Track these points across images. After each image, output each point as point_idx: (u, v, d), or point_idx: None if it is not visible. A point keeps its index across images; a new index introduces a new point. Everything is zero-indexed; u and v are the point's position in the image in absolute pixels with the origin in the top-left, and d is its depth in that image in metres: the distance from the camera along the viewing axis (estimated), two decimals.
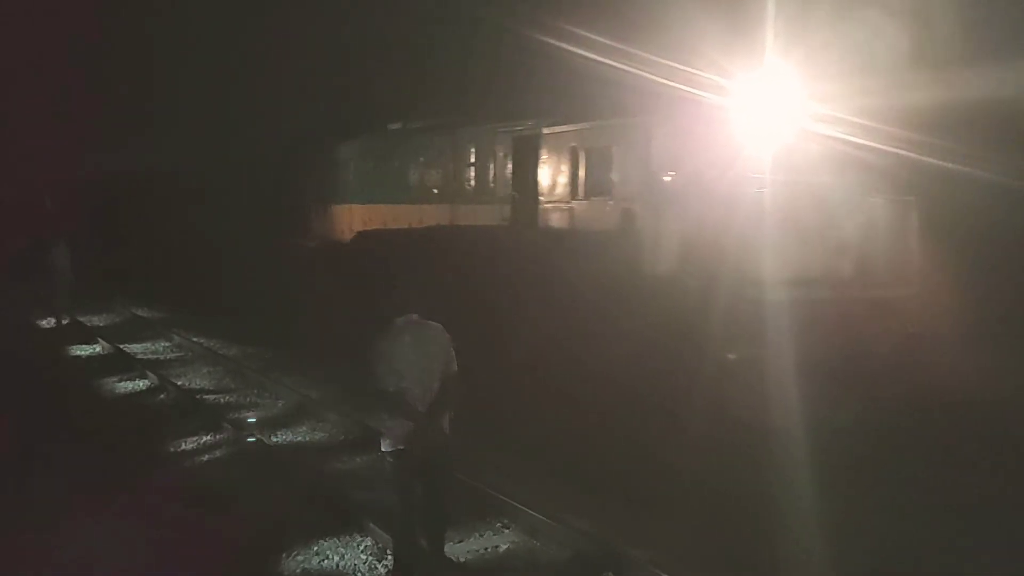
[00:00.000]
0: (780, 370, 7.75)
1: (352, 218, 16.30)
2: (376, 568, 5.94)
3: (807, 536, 5.99)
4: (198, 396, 10.98)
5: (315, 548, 6.20)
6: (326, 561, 6.05)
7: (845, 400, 7.76)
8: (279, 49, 22.35)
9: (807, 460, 6.96)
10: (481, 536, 6.41)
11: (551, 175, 11.40)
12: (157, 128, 26.32)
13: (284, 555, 6.10)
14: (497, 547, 6.28)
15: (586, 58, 9.89)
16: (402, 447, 5.32)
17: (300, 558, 6.09)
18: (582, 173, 10.92)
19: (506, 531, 6.50)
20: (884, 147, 8.53)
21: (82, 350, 14.41)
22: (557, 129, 11.35)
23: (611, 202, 10.48)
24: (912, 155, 8.57)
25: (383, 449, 5.43)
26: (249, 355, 13.70)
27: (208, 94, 24.39)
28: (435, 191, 13.97)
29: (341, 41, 21.27)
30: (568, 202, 11.15)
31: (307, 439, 9.24)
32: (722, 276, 8.33)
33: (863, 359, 8.23)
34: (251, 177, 19.43)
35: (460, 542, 6.24)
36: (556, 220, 11.34)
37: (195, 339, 14.83)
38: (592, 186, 10.81)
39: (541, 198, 11.51)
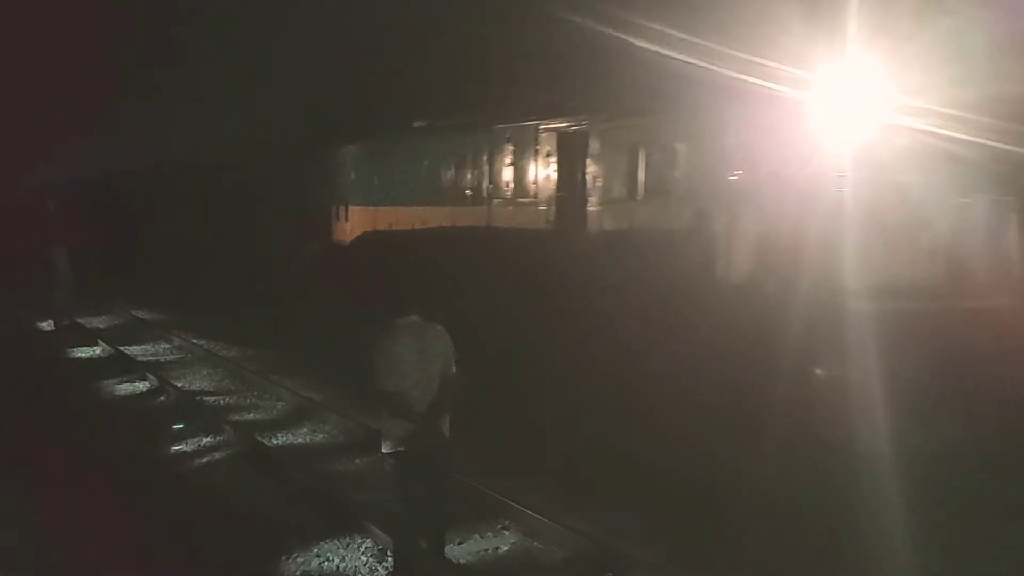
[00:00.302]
0: (869, 387, 7.11)
1: (375, 222, 15.49)
2: (376, 570, 5.94)
3: (898, 573, 5.63)
4: (198, 398, 10.98)
5: (315, 550, 6.20)
6: (326, 563, 6.04)
7: (939, 421, 7.03)
8: (293, 40, 21.29)
9: (898, 486, 6.39)
10: (482, 538, 6.41)
11: (604, 173, 10.58)
12: (166, 128, 25.95)
13: (284, 556, 6.09)
14: (498, 548, 6.27)
15: (648, 49, 9.06)
16: (402, 448, 5.32)
17: (300, 559, 6.08)
18: (642, 171, 10.02)
19: (507, 532, 6.50)
20: (980, 141, 7.58)
21: (82, 352, 14.41)
22: (613, 124, 10.47)
23: (676, 202, 9.59)
24: (1012, 150, 7.63)
25: (383, 450, 5.44)
26: (249, 357, 13.70)
27: (219, 92, 23.78)
28: (468, 193, 13.15)
29: (363, 30, 19.89)
30: (625, 202, 10.26)
31: (307, 440, 9.23)
32: (803, 284, 7.67)
33: (959, 376, 7.36)
34: (259, 179, 19.19)
35: (461, 543, 6.23)
36: (610, 222, 10.50)
37: (195, 341, 14.83)
38: (654, 185, 9.90)
39: (592, 198, 10.73)
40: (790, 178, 8.15)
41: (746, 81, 8.04)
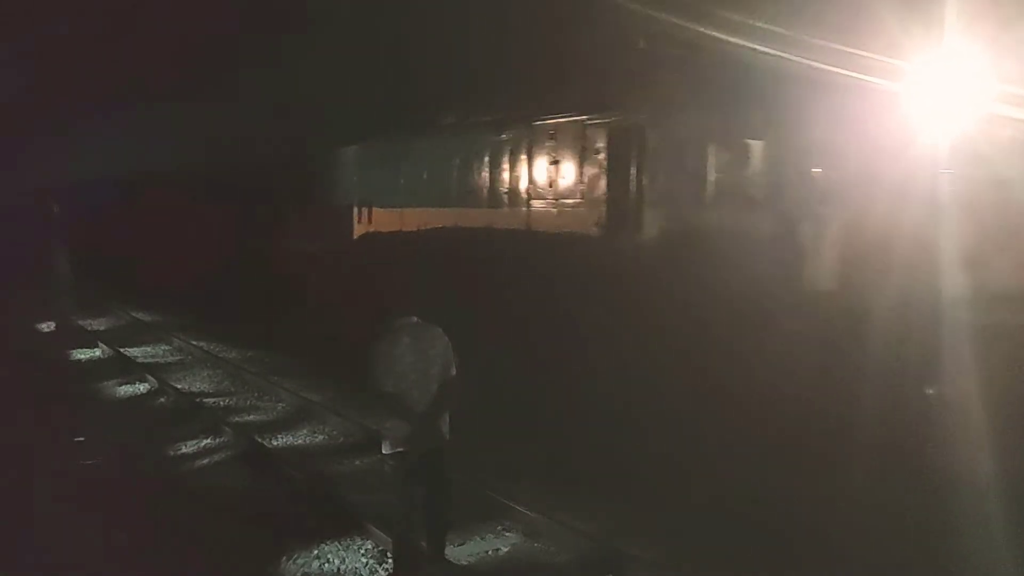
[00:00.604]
0: (982, 407, 6.36)
1: (401, 225, 14.65)
2: (377, 571, 5.93)
3: None
4: (198, 399, 10.98)
5: (315, 551, 6.19)
6: (327, 564, 6.04)
7: None
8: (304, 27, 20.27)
9: (1009, 515, 5.78)
10: (482, 539, 6.40)
11: (664, 172, 9.70)
12: (172, 128, 25.52)
13: (284, 558, 6.09)
14: (499, 550, 6.26)
15: (721, 38, 8.25)
16: (402, 449, 5.32)
17: (300, 561, 6.08)
18: (712, 169, 9.19)
19: (507, 533, 6.49)
20: None
21: (83, 353, 14.41)
22: (676, 117, 9.56)
23: (754, 204, 8.79)
24: None
25: (383, 451, 5.43)
26: (249, 359, 13.70)
27: (229, 90, 23.15)
28: (505, 194, 12.33)
29: (387, 18, 18.02)
30: (691, 204, 9.36)
31: (307, 442, 9.22)
32: (904, 294, 6.96)
33: None
34: (268, 180, 18.86)
35: (462, 545, 6.22)
36: (671, 225, 9.58)
37: (195, 343, 14.83)
38: (727, 185, 9.08)
39: (649, 200, 9.86)
40: (884, 177, 7.42)
41: (834, 71, 7.33)
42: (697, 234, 9.20)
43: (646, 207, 9.97)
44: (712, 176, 9.22)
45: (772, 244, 8.37)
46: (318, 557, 6.12)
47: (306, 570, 5.98)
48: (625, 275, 9.34)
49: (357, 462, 8.32)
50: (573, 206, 11.04)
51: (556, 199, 11.39)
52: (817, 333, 7.32)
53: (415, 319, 5.44)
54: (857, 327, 7.12)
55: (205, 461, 8.58)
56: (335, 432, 9.43)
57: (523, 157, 12.08)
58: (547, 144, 11.55)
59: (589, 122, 10.77)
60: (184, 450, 8.87)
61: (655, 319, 8.54)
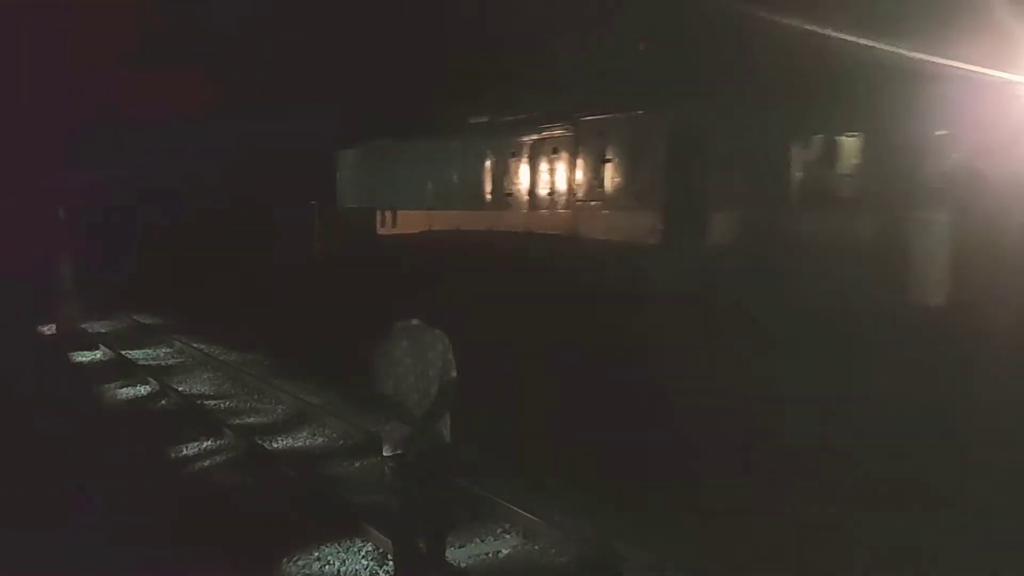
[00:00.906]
0: None
1: (429, 226, 14.23)
2: (377, 573, 5.93)
3: None
4: (199, 401, 10.98)
5: (316, 553, 6.20)
6: (327, 566, 6.04)
7: None
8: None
9: None
10: (483, 541, 6.39)
11: (736, 172, 8.92)
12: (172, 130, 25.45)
13: (285, 559, 6.09)
14: (499, 552, 6.26)
15: (805, 26, 7.57)
16: (400, 451, 5.32)
17: (301, 562, 6.08)
18: (796, 168, 8.39)
19: (508, 536, 6.48)
20: None
21: (84, 356, 14.42)
22: (750, 112, 8.71)
23: (847, 207, 7.98)
24: None
25: (384, 454, 5.43)
26: (249, 361, 13.69)
27: (234, 87, 22.84)
28: (545, 195, 11.55)
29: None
30: (769, 206, 8.51)
31: (307, 444, 9.22)
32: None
33: None
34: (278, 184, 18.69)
35: (462, 547, 6.22)
36: (745, 229, 8.79)
37: (195, 345, 14.83)
38: (813, 185, 8.28)
39: (717, 202, 9.09)
40: (1005, 173, 6.76)
41: (940, 61, 6.69)
42: (775, 237, 8.44)
43: (713, 210, 9.12)
44: (795, 175, 8.45)
45: (874, 250, 7.65)
46: (318, 559, 6.12)
47: (306, 571, 5.98)
48: (682, 279, 8.75)
49: (357, 464, 8.32)
50: (624, 208, 9.92)
51: (607, 201, 10.25)
52: (929, 348, 6.69)
53: (415, 321, 5.44)
54: (980, 341, 6.48)
55: (206, 463, 8.58)
56: (335, 434, 9.43)
57: (564, 157, 11.20)
58: (594, 142, 10.35)
59: (644, 117, 9.80)
60: (185, 452, 8.87)
61: (717, 323, 7.94)
